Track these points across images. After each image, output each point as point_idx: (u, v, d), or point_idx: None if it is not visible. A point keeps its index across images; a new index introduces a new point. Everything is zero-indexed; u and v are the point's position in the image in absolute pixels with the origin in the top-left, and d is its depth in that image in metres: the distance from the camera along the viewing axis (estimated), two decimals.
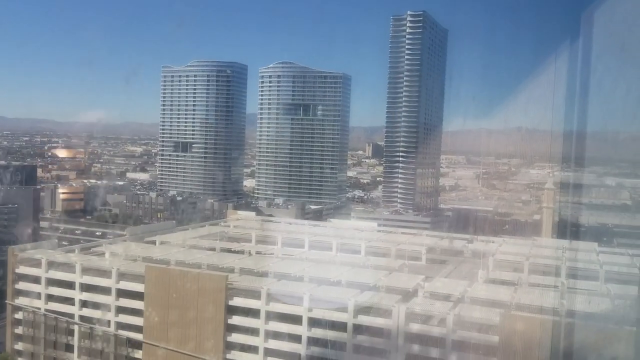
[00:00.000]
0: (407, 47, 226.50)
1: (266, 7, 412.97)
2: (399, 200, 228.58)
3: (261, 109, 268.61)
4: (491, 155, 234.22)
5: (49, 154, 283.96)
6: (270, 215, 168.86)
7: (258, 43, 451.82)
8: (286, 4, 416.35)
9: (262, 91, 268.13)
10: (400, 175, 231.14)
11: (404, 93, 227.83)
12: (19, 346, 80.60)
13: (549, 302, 62.49)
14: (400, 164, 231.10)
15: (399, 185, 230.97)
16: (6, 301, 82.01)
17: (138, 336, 72.62)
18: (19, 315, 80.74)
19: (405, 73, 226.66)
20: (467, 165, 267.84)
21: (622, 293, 62.25)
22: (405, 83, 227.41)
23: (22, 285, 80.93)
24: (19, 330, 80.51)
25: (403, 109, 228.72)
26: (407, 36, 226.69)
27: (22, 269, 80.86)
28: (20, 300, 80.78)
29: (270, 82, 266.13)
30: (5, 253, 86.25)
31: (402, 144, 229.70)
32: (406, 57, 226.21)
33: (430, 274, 76.04)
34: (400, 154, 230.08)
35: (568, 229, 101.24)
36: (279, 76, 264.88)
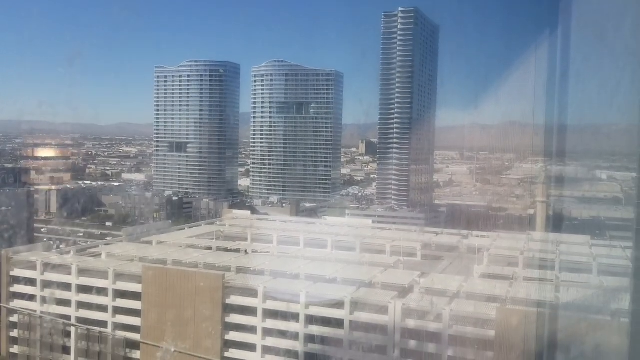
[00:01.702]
0: (398, 43, 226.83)
1: (257, 5, 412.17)
2: (393, 197, 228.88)
3: (254, 107, 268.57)
4: (485, 150, 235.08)
5: (43, 155, 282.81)
6: (266, 214, 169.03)
7: (249, 41, 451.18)
8: (276, 2, 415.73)
9: (255, 90, 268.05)
10: (394, 172, 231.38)
11: (397, 89, 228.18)
12: (15, 349, 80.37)
13: (544, 296, 63.09)
14: (394, 161, 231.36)
15: (393, 182, 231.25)
16: (1, 304, 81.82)
17: (136, 336, 72.70)
18: (14, 318, 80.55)
19: (398, 69, 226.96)
20: (461, 160, 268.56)
21: (615, 285, 62.88)
22: (397, 79, 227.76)
23: (17, 288, 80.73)
24: (14, 333, 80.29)
25: (396, 105, 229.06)
26: (398, 32, 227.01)
27: (16, 272, 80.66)
28: (16, 303, 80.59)
29: (262, 80, 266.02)
30: None
31: (395, 140, 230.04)
32: (398, 53, 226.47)
33: (426, 270, 76.51)
34: (394, 150, 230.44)
35: (561, 223, 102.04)
36: (271, 75, 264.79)
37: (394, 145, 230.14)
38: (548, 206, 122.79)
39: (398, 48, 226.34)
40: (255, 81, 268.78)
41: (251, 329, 67.37)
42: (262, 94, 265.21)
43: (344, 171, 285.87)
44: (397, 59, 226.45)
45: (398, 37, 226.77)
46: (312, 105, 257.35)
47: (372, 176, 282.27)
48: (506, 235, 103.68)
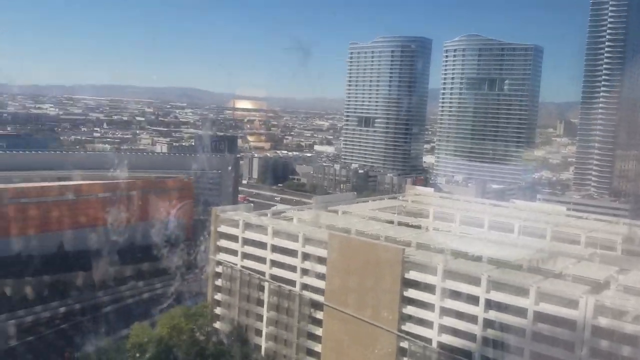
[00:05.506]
0: (609, 15, 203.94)
1: None
2: (592, 184, 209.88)
3: (444, 83, 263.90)
4: None
5: (248, 125, 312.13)
6: (449, 193, 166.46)
7: (444, 16, 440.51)
8: None
9: (445, 65, 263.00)
10: (595, 156, 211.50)
11: (604, 67, 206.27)
12: (218, 297, 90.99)
13: None
14: (596, 144, 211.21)
15: (594, 167, 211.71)
16: (209, 256, 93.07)
17: (320, 298, 77.61)
18: (219, 269, 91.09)
19: (607, 44, 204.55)
20: None
21: None
22: (605, 55, 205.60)
23: (222, 243, 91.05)
24: (218, 282, 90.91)
25: (602, 83, 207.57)
26: (610, 2, 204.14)
27: (223, 228, 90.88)
28: (221, 256, 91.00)
29: (454, 55, 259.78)
30: (210, 213, 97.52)
31: (599, 122, 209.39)
32: (608, 26, 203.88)
33: (626, 267, 69.44)
34: (597, 132, 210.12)
35: None
36: (464, 49, 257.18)
37: (598, 127, 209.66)
38: None
39: (609, 21, 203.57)
40: (446, 56, 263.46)
41: (429, 306, 67.79)
42: (453, 69, 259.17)
43: (537, 153, 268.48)
44: (607, 31, 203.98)
45: (609, 10, 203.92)
46: (507, 81, 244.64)
47: (569, 160, 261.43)
48: None
